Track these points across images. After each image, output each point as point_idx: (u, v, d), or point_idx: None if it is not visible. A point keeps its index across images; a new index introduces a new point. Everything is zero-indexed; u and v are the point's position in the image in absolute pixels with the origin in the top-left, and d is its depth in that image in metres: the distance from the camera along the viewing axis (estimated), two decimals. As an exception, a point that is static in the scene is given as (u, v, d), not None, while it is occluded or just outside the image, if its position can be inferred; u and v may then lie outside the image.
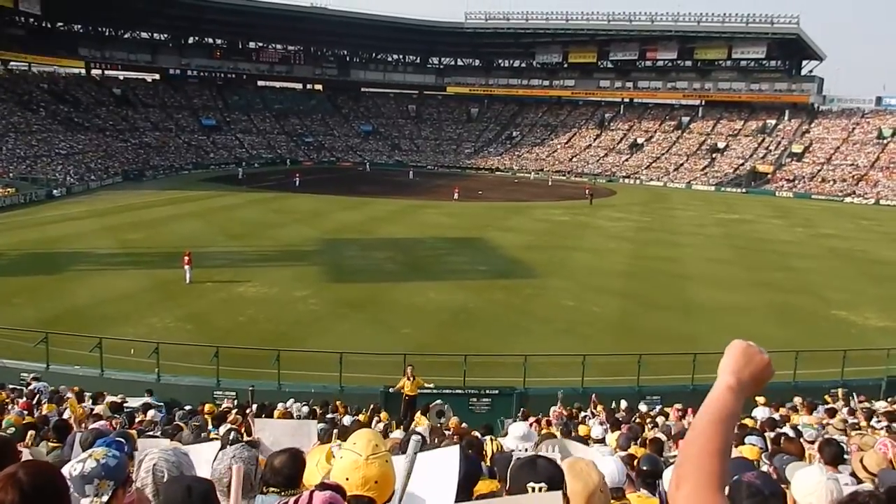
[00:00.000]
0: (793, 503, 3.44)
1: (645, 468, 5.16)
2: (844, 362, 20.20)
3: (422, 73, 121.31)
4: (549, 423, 13.10)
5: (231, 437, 5.96)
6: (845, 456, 6.55)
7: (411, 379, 17.08)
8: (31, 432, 7.79)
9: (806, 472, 3.76)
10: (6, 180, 56.96)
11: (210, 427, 10.04)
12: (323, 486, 2.27)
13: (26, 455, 5.24)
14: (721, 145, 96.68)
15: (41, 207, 51.38)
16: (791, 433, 9.83)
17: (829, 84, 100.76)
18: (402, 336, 23.47)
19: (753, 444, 8.15)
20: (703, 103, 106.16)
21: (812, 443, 9.01)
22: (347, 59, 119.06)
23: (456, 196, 63.07)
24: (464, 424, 13.89)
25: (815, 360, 20.53)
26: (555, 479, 2.41)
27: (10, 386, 15.83)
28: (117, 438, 5.03)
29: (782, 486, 5.29)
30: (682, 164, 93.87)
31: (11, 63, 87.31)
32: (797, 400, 15.76)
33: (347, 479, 2.34)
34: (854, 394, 16.73)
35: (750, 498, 2.73)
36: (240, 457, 3.16)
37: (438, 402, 15.38)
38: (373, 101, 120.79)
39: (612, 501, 4.16)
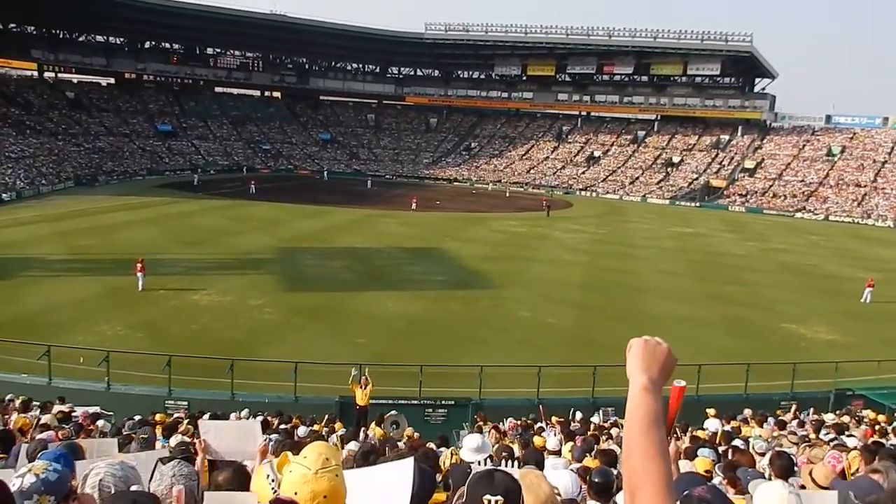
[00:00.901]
0: None
1: (597, 480, 5.17)
2: (794, 375, 20.58)
3: (381, 82, 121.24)
4: (504, 434, 13.16)
5: (178, 450, 5.88)
6: (795, 468, 6.65)
7: (363, 387, 17.02)
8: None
9: (768, 487, 3.80)
10: (-48, 183, 55.41)
11: (160, 438, 9.87)
12: (278, 502, 2.24)
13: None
14: (676, 160, 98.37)
15: (-11, 212, 50.06)
16: (742, 445, 9.97)
17: (780, 102, 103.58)
18: (359, 346, 23.40)
19: (706, 457, 8.23)
20: (658, 118, 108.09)
21: (763, 455, 9.15)
22: (306, 67, 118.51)
23: (414, 206, 63.08)
24: (417, 434, 13.90)
25: (765, 372, 20.87)
26: (511, 492, 2.36)
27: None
28: (63, 451, 4.94)
29: (742, 497, 5.36)
30: (637, 178, 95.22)
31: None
32: (748, 412, 15.99)
33: (296, 493, 2.30)
34: (808, 411, 17.09)
35: None
36: (179, 474, 3.12)
37: (393, 412, 15.37)
38: (331, 110, 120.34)
39: None
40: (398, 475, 3.02)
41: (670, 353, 1.79)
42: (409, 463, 3.07)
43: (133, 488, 3.03)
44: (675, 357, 1.79)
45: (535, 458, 7.16)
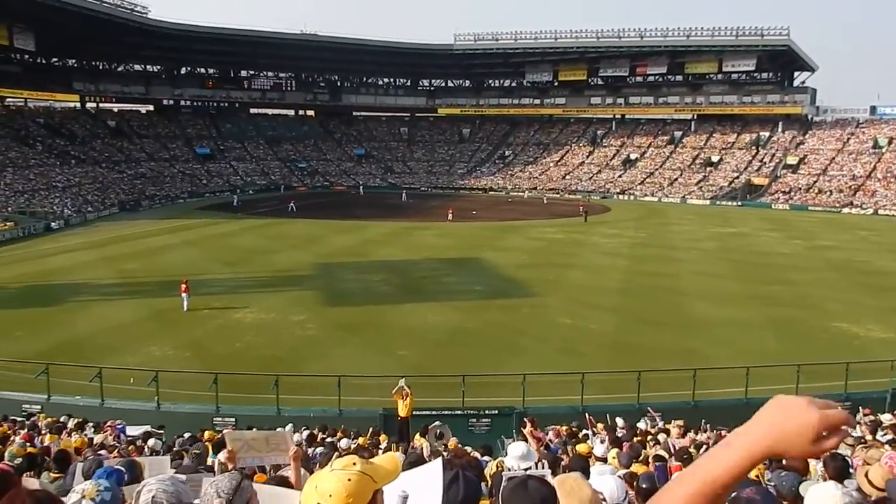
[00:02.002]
0: None
1: (644, 486, 5.16)
2: (847, 375, 19.93)
3: (413, 95, 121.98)
4: (546, 446, 13.06)
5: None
6: (850, 470, 6.46)
7: (404, 399, 17.10)
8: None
9: (821, 488, 3.72)
10: (5, 214, 57.11)
11: (210, 454, 10.08)
12: None
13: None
14: (715, 159, 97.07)
15: (40, 240, 51.47)
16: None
17: (822, 95, 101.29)
18: (400, 358, 23.52)
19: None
20: (695, 117, 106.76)
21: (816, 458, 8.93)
22: (338, 83, 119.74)
23: (450, 217, 63.23)
24: (469, 449, 13.92)
25: (817, 373, 20.24)
26: (548, 500, 2.35)
27: (12, 417, 15.87)
28: (117, 468, 5.10)
29: (785, 502, 5.25)
30: (676, 179, 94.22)
31: (8, 99, 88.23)
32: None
33: (316, 486, 2.26)
34: (860, 407, 16.61)
35: None
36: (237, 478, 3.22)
37: (437, 423, 15.39)
38: (365, 125, 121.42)
39: None
40: (428, 477, 3.02)
41: (822, 421, 1.22)
42: (437, 464, 3.06)
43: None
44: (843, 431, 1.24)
45: (581, 465, 7.13)
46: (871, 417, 14.92)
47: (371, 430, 16.18)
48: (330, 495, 2.23)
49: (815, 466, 7.92)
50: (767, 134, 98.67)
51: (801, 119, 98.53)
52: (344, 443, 13.00)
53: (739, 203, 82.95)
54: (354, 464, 2.33)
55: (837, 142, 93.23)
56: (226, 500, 3.11)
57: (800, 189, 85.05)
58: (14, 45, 78.89)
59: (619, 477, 5.87)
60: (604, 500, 4.20)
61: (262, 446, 4.47)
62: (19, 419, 15.95)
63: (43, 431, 12.59)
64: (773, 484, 5.80)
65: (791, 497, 5.21)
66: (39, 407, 18.26)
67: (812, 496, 3.63)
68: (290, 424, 16.31)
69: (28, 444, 10.11)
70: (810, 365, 20.40)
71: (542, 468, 5.69)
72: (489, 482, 6.12)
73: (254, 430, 9.93)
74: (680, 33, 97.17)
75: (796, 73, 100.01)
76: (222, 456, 4.53)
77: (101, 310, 30.14)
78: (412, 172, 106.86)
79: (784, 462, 8.03)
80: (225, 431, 5.09)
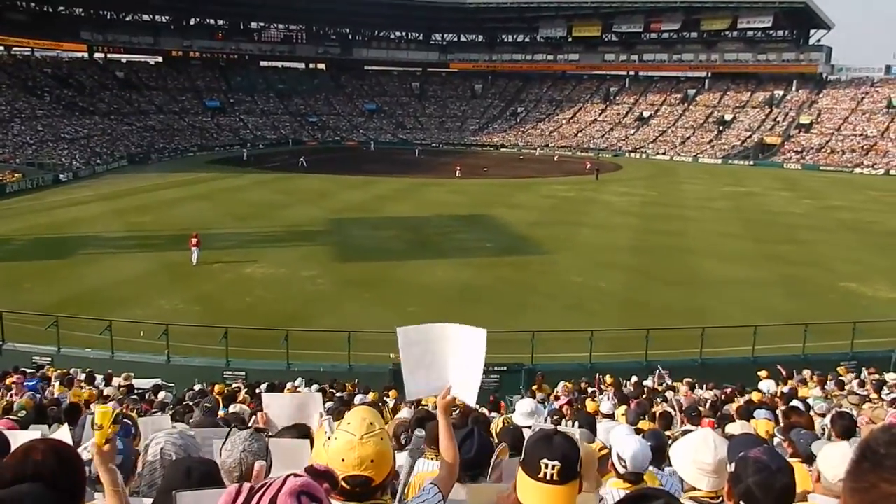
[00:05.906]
0: (816, 477, 3.41)
1: (649, 444, 5.06)
2: (854, 334, 20.04)
3: (425, 49, 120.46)
4: (557, 398, 13.11)
5: (232, 418, 5.99)
6: (856, 429, 6.45)
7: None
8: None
9: (835, 448, 3.69)
10: (13, 165, 57.05)
11: (221, 408, 10.11)
12: (312, 471, 2.00)
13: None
14: (728, 117, 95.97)
15: (48, 192, 51.42)
16: (801, 406, 9.77)
17: (837, 54, 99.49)
18: (410, 314, 23.46)
19: (768, 419, 8.01)
20: (709, 75, 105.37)
21: (822, 416, 8.94)
22: (350, 37, 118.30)
23: (458, 173, 62.89)
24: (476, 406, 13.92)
25: (824, 332, 20.35)
26: (569, 458, 2.32)
27: (22, 369, 15.95)
28: (125, 420, 5.05)
29: (798, 459, 5.22)
30: (688, 138, 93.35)
31: (14, 49, 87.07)
32: (806, 373, 15.69)
33: (343, 459, 2.30)
34: (864, 368, 16.66)
35: (756, 474, 2.68)
36: (249, 450, 3.13)
37: (446, 378, 15.37)
38: (376, 80, 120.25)
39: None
40: (473, 339, 3.19)
41: None
42: (482, 332, 3.16)
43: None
44: None
45: (587, 421, 7.09)
46: (877, 377, 15.09)
47: (384, 387, 16.22)
48: (372, 460, 2.32)
49: (822, 425, 7.91)
50: (781, 93, 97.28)
51: (815, 78, 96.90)
52: (359, 398, 13.01)
53: (751, 162, 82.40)
54: (372, 423, 2.39)
55: (851, 101, 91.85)
56: (262, 457, 3.07)
57: (812, 148, 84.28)
58: (20, -9, 78.05)
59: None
60: (624, 465, 3.92)
61: (294, 412, 4.43)
62: (29, 371, 16.04)
63: (52, 383, 12.65)
64: (787, 442, 5.78)
65: (805, 456, 5.20)
66: (49, 359, 18.37)
67: (825, 455, 3.61)
68: (300, 378, 16.38)
69: (36, 395, 10.14)
70: (818, 324, 20.53)
71: (571, 427, 5.63)
72: (495, 439, 6.07)
73: (283, 391, 9.87)
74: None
75: (812, 31, 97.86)
76: (259, 417, 4.49)
77: (111, 263, 30.22)
78: (423, 128, 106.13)
79: (791, 419, 7.99)
80: (264, 395, 5.07)
